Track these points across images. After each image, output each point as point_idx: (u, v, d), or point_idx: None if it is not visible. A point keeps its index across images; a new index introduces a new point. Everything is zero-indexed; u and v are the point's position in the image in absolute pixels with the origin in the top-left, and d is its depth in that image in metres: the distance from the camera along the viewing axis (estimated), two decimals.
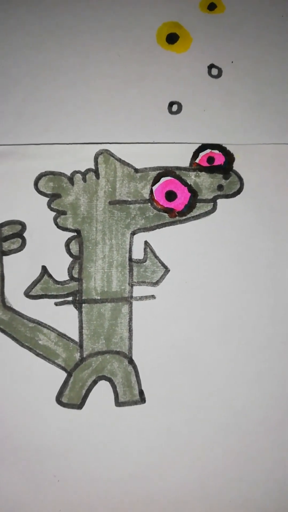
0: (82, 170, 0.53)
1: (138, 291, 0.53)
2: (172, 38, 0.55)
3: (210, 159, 0.53)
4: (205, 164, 0.53)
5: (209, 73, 0.55)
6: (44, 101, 0.54)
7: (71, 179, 0.53)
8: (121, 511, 0.53)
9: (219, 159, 0.53)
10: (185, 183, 0.54)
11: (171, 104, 0.55)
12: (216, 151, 0.54)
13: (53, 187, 0.53)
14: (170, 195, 0.53)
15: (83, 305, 0.53)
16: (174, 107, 0.54)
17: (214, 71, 0.55)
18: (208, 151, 0.54)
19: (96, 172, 0.53)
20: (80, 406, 0.53)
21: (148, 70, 0.55)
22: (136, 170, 0.54)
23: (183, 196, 0.53)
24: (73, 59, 0.55)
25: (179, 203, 0.53)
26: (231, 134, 0.54)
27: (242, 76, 0.55)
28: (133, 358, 0.53)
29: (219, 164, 0.54)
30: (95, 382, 0.53)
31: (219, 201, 0.54)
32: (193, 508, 0.54)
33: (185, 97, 0.55)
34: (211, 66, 0.55)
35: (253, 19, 0.56)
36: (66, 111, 0.54)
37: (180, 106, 0.54)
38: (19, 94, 0.54)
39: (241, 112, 0.55)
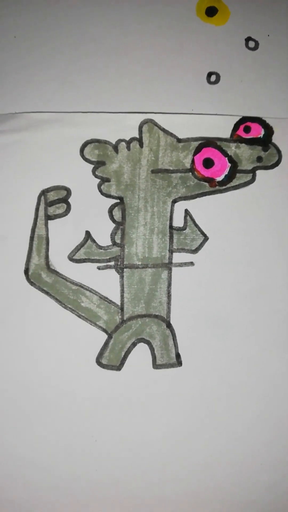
0: (127, 139, 0.55)
1: (177, 257, 0.55)
2: (211, 11, 0.57)
3: (247, 128, 0.55)
4: (243, 134, 0.55)
5: (246, 45, 0.57)
6: (87, 72, 0.56)
7: (115, 147, 0.55)
8: (155, 472, 0.54)
9: (256, 130, 0.55)
10: (225, 154, 0.55)
11: (209, 74, 0.56)
12: (255, 123, 0.55)
13: (98, 155, 0.55)
14: (208, 162, 0.55)
15: (125, 270, 0.55)
16: (213, 78, 0.56)
17: (251, 44, 0.57)
18: (246, 122, 0.55)
19: (140, 141, 0.55)
20: (119, 367, 0.54)
21: (188, 42, 0.57)
22: (179, 140, 0.55)
23: (220, 164, 0.55)
24: (115, 30, 0.57)
25: (216, 170, 0.55)
26: (269, 107, 0.56)
27: (278, 49, 0.57)
28: (171, 322, 0.55)
29: (258, 136, 0.56)
30: (134, 345, 0.55)
31: (258, 172, 0.56)
32: (224, 469, 0.55)
33: (223, 68, 0.57)
34: (248, 39, 0.57)
35: None
36: (109, 81, 0.56)
37: (218, 77, 0.56)
38: (62, 62, 0.56)
39: (278, 85, 0.57)
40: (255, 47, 0.57)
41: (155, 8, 0.57)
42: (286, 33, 0.58)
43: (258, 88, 0.57)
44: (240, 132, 0.55)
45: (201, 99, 0.56)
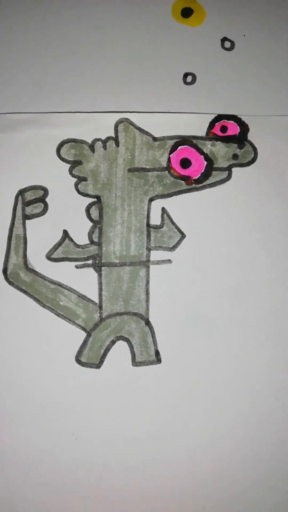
0: (103, 138, 0.55)
1: (155, 255, 0.56)
2: (186, 12, 0.58)
3: (223, 128, 0.55)
4: (219, 132, 0.55)
5: (222, 45, 0.58)
6: (64, 72, 0.56)
7: (92, 147, 0.55)
8: (136, 468, 0.55)
9: (233, 129, 0.56)
10: (201, 152, 0.56)
11: (185, 75, 0.57)
12: (231, 121, 0.56)
13: (75, 154, 0.55)
14: (185, 163, 0.55)
15: (103, 268, 0.55)
16: (189, 78, 0.57)
17: (227, 44, 0.58)
18: (222, 121, 0.56)
19: (116, 140, 0.56)
20: (98, 365, 0.55)
21: (164, 43, 0.58)
22: (155, 139, 0.56)
23: (197, 164, 0.55)
24: (92, 32, 0.57)
25: (193, 170, 0.55)
26: (245, 105, 0.57)
27: (254, 48, 0.58)
28: (150, 319, 0.55)
29: (234, 134, 0.56)
30: (113, 342, 0.55)
31: (234, 169, 0.56)
32: (204, 467, 0.55)
33: (199, 69, 0.57)
34: (224, 39, 0.58)
35: None
36: (85, 81, 0.56)
37: (194, 77, 0.57)
38: (40, 65, 0.57)
39: (254, 84, 0.58)
40: (231, 47, 0.58)
41: (131, 10, 0.58)
42: (262, 33, 0.59)
43: (234, 87, 0.57)
44: (216, 131, 0.56)
45: (177, 99, 0.57)
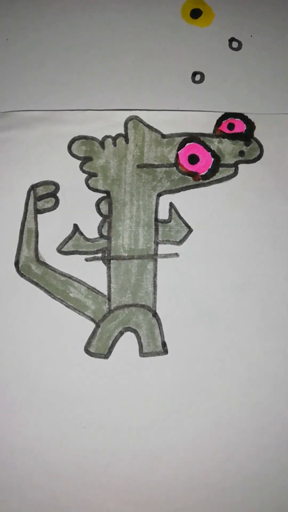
0: (113, 135, 0.57)
1: (162, 249, 0.57)
2: (195, 13, 0.60)
3: (231, 125, 0.57)
4: (226, 130, 0.57)
5: (230, 46, 0.59)
6: (75, 72, 0.58)
7: (102, 143, 0.57)
8: (142, 457, 0.56)
9: (239, 126, 0.57)
10: (208, 149, 0.57)
11: (194, 74, 0.58)
12: (238, 119, 0.58)
13: (85, 151, 0.57)
14: (193, 159, 0.57)
15: (112, 261, 0.57)
16: (197, 77, 0.58)
17: (235, 44, 0.59)
18: (229, 118, 0.57)
19: (125, 137, 0.57)
20: (107, 355, 0.56)
21: (173, 43, 0.59)
22: (163, 136, 0.57)
23: (205, 160, 0.57)
24: (103, 32, 0.59)
25: (200, 166, 0.57)
26: (251, 104, 0.58)
27: (260, 49, 0.60)
28: (157, 311, 0.57)
29: (240, 132, 0.58)
30: (121, 333, 0.56)
31: (240, 166, 0.58)
32: (209, 456, 0.56)
33: (208, 68, 0.59)
34: (231, 40, 0.59)
35: None
36: (96, 80, 0.58)
37: (202, 76, 0.58)
38: (52, 65, 0.58)
39: (260, 84, 0.59)
40: (239, 47, 0.59)
41: (142, 11, 0.60)
42: (269, 34, 0.60)
43: (241, 86, 0.59)
44: (224, 128, 0.57)
45: (186, 98, 0.58)
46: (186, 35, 0.60)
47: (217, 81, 0.59)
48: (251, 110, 0.58)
